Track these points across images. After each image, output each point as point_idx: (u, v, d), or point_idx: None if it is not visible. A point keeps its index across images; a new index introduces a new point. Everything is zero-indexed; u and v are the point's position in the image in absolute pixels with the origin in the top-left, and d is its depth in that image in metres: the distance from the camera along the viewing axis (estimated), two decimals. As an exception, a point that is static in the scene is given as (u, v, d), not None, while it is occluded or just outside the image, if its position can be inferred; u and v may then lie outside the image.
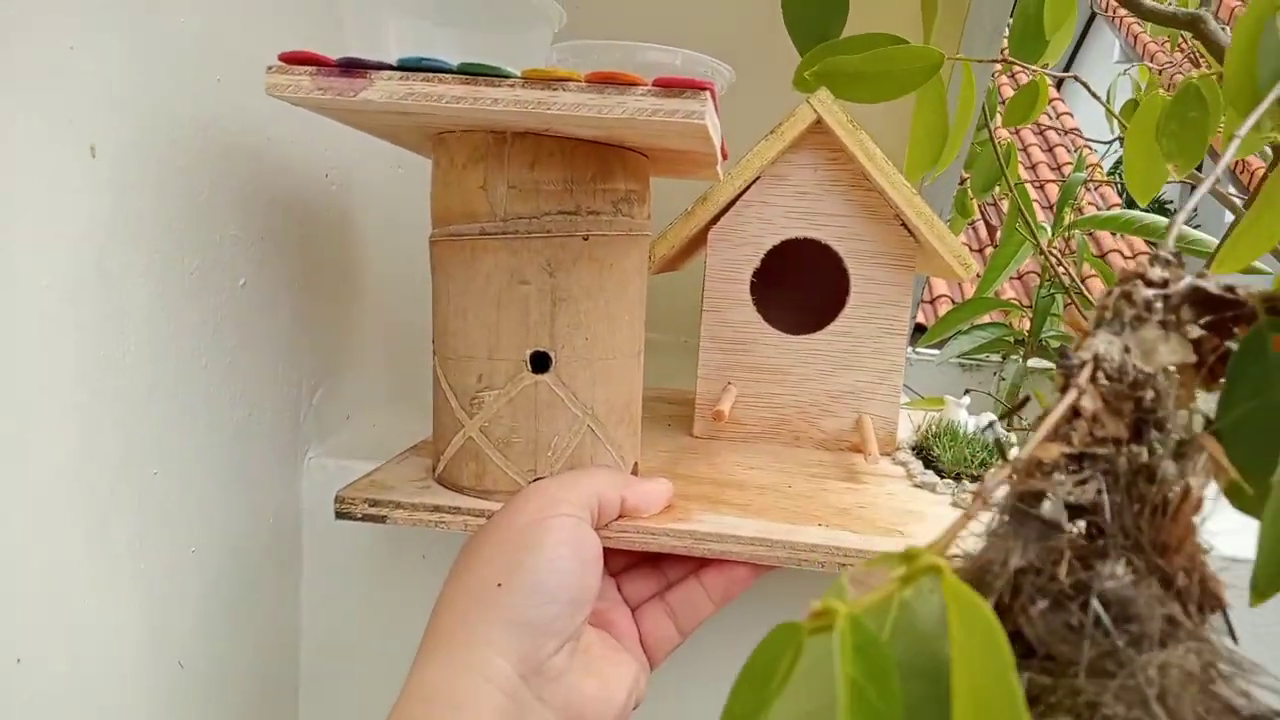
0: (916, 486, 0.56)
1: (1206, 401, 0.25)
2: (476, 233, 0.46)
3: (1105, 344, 0.23)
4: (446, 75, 0.40)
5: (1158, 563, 0.22)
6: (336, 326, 0.66)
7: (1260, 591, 0.22)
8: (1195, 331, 0.24)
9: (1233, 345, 0.24)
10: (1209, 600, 0.22)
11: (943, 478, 0.56)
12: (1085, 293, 1.01)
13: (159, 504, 0.47)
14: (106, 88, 0.42)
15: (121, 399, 0.44)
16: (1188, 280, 0.24)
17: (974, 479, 0.56)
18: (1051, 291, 1.12)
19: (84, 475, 0.42)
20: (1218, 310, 0.24)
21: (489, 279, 0.46)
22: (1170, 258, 0.25)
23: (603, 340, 0.48)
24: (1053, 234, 1.14)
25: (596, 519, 0.44)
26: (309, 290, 0.62)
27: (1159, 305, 0.24)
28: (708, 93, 0.39)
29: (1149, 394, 0.23)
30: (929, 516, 0.49)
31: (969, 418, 0.64)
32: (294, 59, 0.41)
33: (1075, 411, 0.23)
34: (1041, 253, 1.05)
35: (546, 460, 0.47)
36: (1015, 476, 0.23)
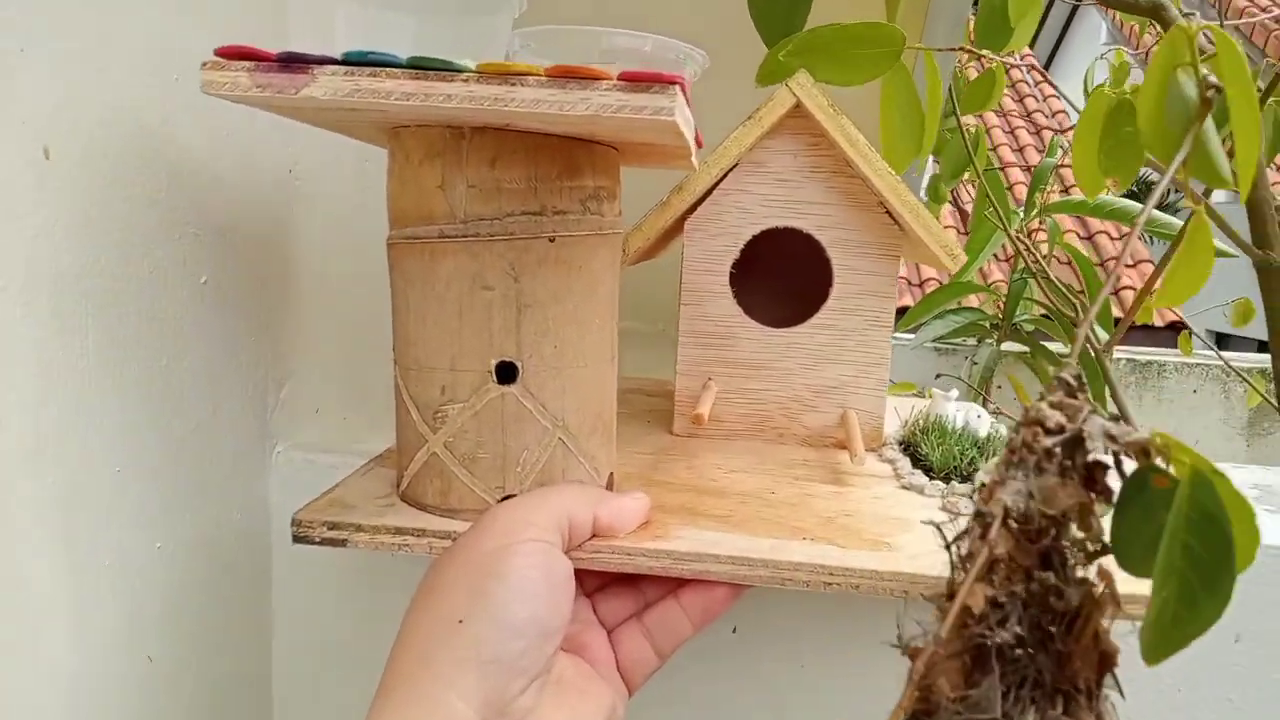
0: (904, 488, 0.54)
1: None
2: (435, 235, 0.43)
3: (1012, 495, 0.28)
4: (395, 70, 0.37)
5: (1061, 688, 0.27)
6: (303, 321, 0.64)
7: (1151, 657, 0.28)
8: (1093, 455, 0.28)
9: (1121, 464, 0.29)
10: (1105, 665, 0.28)
11: (931, 478, 0.54)
12: (1054, 280, 0.99)
13: (123, 501, 0.47)
14: (60, 89, 0.41)
15: (81, 398, 0.44)
16: (1081, 421, 0.28)
17: (963, 478, 0.54)
18: (1024, 276, 1.10)
19: (45, 474, 0.42)
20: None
21: (449, 284, 0.43)
22: (1071, 382, 0.29)
23: (572, 347, 0.45)
24: (1025, 218, 1.11)
25: (567, 540, 0.42)
26: (274, 286, 0.60)
27: (1057, 451, 0.28)
28: (677, 87, 0.36)
29: (1052, 532, 0.28)
30: (916, 524, 0.47)
31: (957, 411, 0.61)
32: (231, 53, 0.37)
33: (993, 559, 0.28)
34: (1009, 240, 1.03)
35: (515, 476, 0.45)
36: (942, 638, 0.27)
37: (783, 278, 0.65)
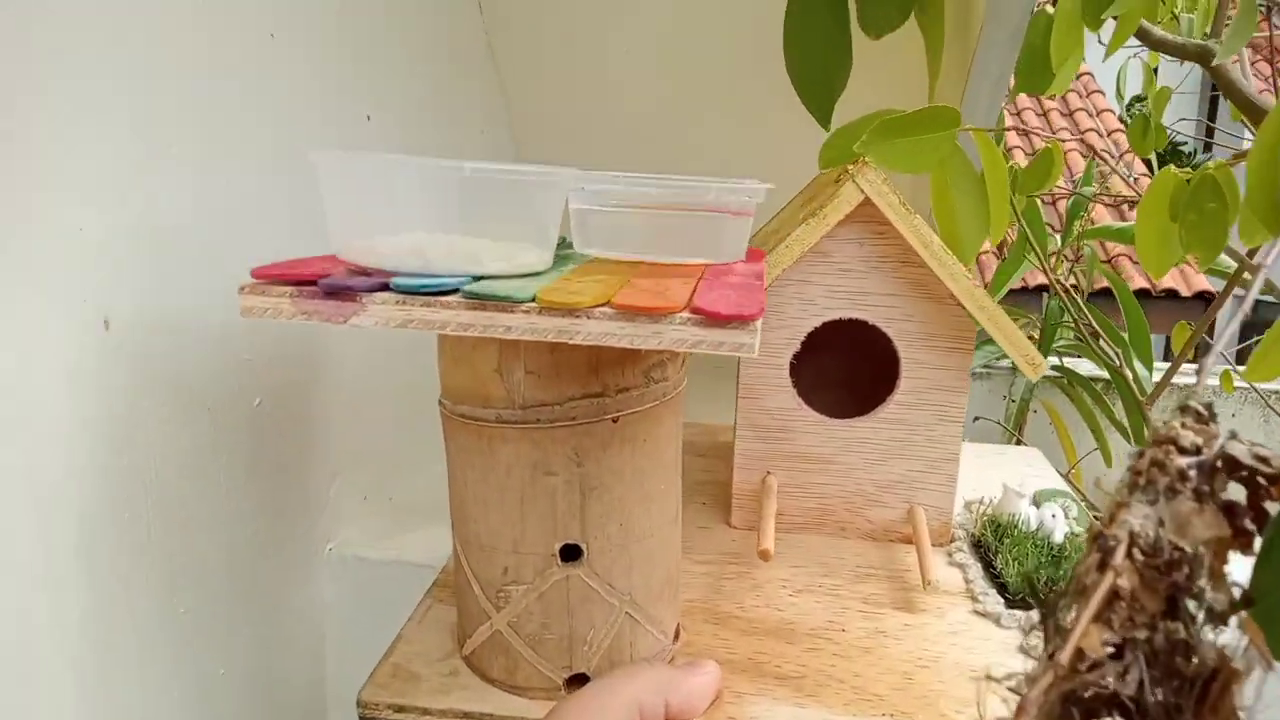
0: (978, 614, 0.52)
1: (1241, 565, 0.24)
2: (492, 419, 0.40)
3: (1140, 520, 0.23)
4: (451, 299, 0.34)
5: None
6: (353, 420, 0.62)
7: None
8: (1230, 492, 0.23)
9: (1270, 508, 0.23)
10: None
11: (1008, 604, 0.52)
12: (1088, 314, 0.95)
13: (190, 638, 0.49)
14: (116, 261, 0.41)
15: (149, 540, 0.45)
16: (1219, 445, 0.23)
17: (1042, 603, 0.52)
18: (1060, 304, 1.05)
19: (117, 623, 0.43)
20: (1252, 474, 0.23)
21: (509, 471, 0.41)
22: (1202, 411, 0.24)
23: (639, 522, 0.43)
24: (1061, 245, 1.05)
25: None
26: (323, 395, 0.59)
27: (1192, 473, 0.23)
28: (757, 323, 0.32)
29: (1184, 569, 0.22)
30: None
31: (1029, 509, 0.59)
32: (270, 276, 0.34)
33: (1114, 593, 0.22)
34: (1046, 275, 0.98)
35: (583, 656, 0.43)
36: (1058, 675, 0.21)
37: (843, 358, 0.62)
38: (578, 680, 0.44)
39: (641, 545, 0.43)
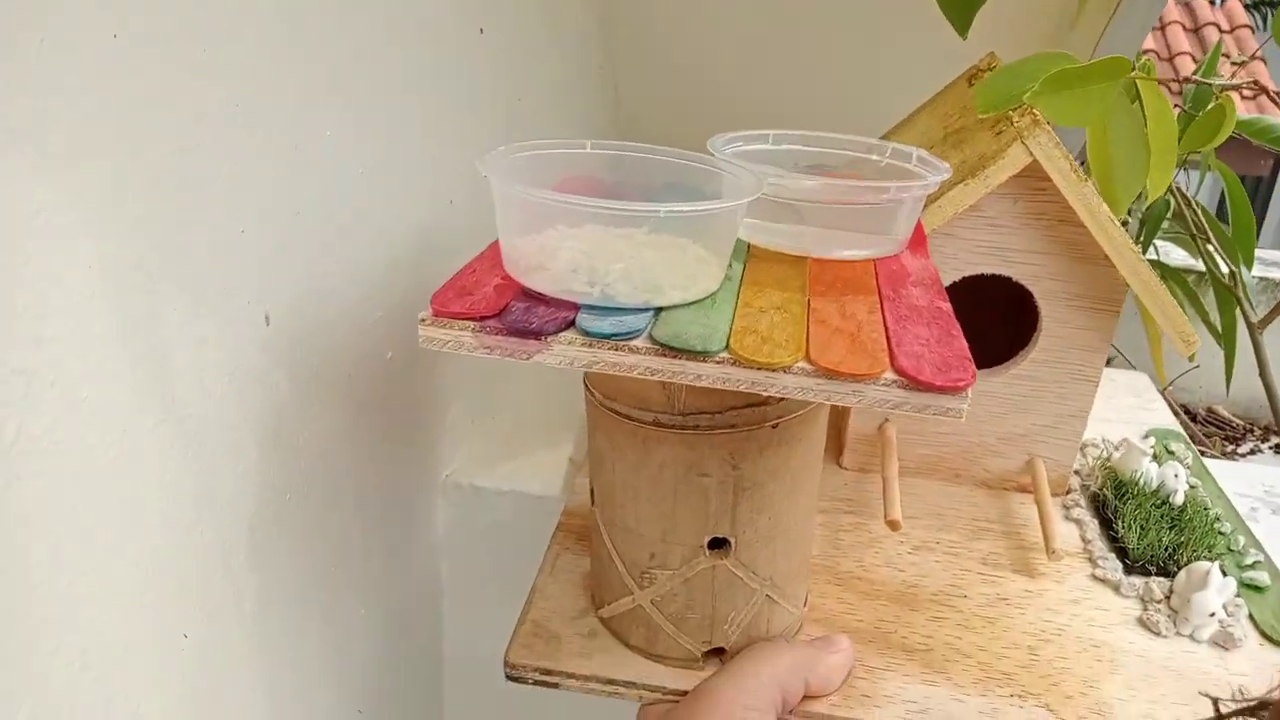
0: (1097, 579, 0.52)
1: None
2: (649, 421, 0.40)
3: None
4: (639, 343, 0.32)
5: None
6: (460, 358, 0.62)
7: None
8: None
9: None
10: None
11: (1128, 570, 0.52)
12: (1200, 214, 0.88)
13: (339, 591, 0.50)
14: (273, 256, 0.41)
15: (299, 529, 0.46)
16: None
17: (1160, 568, 0.52)
18: (1167, 198, 0.96)
19: (279, 601, 0.45)
20: None
21: (663, 469, 0.41)
22: None
23: (786, 515, 0.43)
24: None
25: (780, 710, 0.42)
26: None
27: None
28: (967, 391, 0.31)
29: None
30: (1125, 661, 0.47)
31: (1151, 466, 0.58)
32: (450, 313, 0.33)
33: None
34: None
35: (722, 632, 0.45)
36: None
37: (969, 305, 0.60)
38: (716, 653, 0.45)
39: (786, 535, 0.44)
